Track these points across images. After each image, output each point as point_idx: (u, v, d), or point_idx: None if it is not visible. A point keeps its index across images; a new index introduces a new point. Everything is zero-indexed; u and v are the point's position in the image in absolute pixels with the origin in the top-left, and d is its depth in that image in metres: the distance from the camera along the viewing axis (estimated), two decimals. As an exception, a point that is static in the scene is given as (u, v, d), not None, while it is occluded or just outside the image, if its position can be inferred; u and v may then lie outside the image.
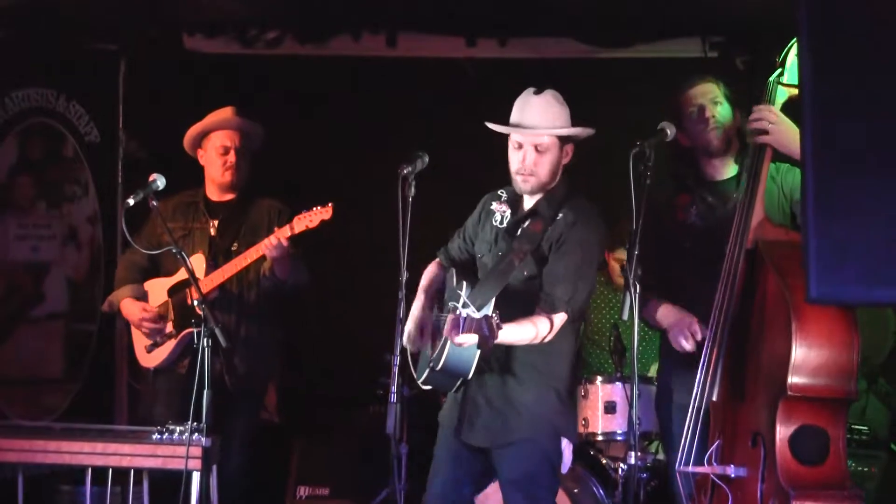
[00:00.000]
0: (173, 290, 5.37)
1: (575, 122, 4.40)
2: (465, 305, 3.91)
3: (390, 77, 6.49)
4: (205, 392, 4.37)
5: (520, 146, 4.31)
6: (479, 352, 4.10)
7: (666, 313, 4.31)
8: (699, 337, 4.09)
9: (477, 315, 3.85)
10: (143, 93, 6.77)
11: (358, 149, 6.53)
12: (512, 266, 4.22)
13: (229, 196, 5.48)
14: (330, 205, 5.02)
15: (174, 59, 6.83)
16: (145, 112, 6.70)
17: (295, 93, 6.96)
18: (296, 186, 6.13)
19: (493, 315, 3.84)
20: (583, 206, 4.37)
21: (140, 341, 5.42)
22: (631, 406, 3.95)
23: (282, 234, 5.08)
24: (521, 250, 4.24)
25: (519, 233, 4.33)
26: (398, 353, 3.89)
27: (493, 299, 4.12)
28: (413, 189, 4.19)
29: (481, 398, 4.32)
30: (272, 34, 6.81)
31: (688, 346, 4.13)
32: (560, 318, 4.22)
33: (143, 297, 5.40)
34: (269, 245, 5.09)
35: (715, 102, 4.36)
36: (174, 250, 4.65)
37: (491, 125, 4.38)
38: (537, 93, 4.38)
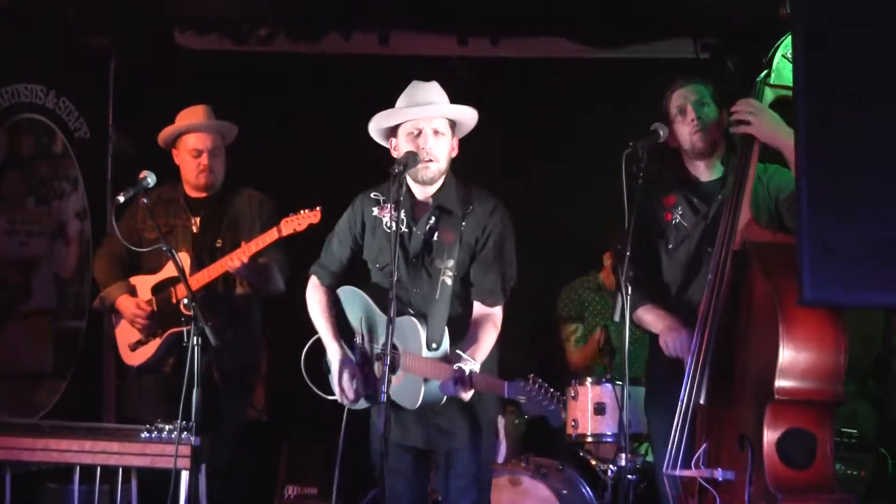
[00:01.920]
0: (157, 289, 5.36)
1: None
2: (465, 361, 4.07)
3: (382, 75, 6.50)
4: (194, 391, 4.38)
5: (419, 133, 4.30)
6: None
7: (655, 318, 4.33)
8: (684, 357, 4.09)
9: (476, 367, 4.03)
10: (133, 89, 6.76)
11: (350, 148, 6.52)
12: (446, 287, 4.25)
13: (207, 192, 5.48)
14: (318, 209, 5.01)
15: (165, 55, 6.82)
16: (135, 108, 6.68)
17: (287, 90, 6.97)
18: (285, 185, 6.12)
19: (467, 356, 4.06)
20: (486, 194, 4.42)
21: (124, 339, 5.41)
22: (621, 408, 3.99)
23: (242, 253, 5.08)
24: (446, 266, 4.26)
25: (434, 246, 4.32)
26: (388, 353, 3.91)
27: (446, 328, 4.22)
28: (404, 188, 4.22)
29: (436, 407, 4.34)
30: (264, 31, 6.82)
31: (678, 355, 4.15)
32: (501, 309, 4.35)
33: (134, 293, 5.40)
34: (231, 266, 5.11)
35: (701, 104, 4.37)
36: (164, 248, 4.65)
37: (381, 115, 4.37)
38: (423, 80, 4.43)
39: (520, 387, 3.88)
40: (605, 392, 5.68)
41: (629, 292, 4.00)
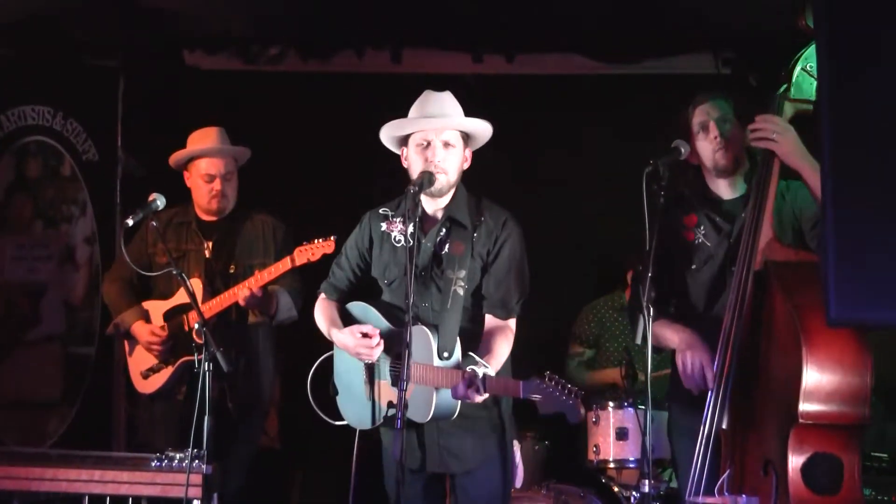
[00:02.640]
0: (169, 315, 5.38)
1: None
2: (478, 364, 4.06)
3: (395, 94, 6.51)
4: (205, 418, 4.38)
5: (427, 144, 4.33)
6: None
7: (671, 331, 4.30)
8: (708, 384, 4.07)
9: (491, 371, 4.02)
10: (142, 110, 6.79)
11: (363, 169, 6.53)
12: (458, 297, 4.26)
13: (220, 215, 5.49)
14: (332, 238, 5.00)
15: (174, 75, 6.86)
16: (144, 130, 6.72)
17: (298, 110, 6.97)
18: (297, 208, 6.13)
19: (481, 360, 4.05)
20: (496, 207, 4.45)
21: (136, 366, 5.43)
22: (644, 433, 3.95)
23: (254, 283, 5.11)
24: (457, 277, 4.28)
25: (444, 258, 4.34)
26: (405, 379, 3.90)
27: (458, 339, 4.23)
28: (420, 209, 4.23)
29: (438, 426, 4.32)
30: (274, 50, 6.85)
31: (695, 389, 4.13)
32: (514, 322, 4.37)
33: (148, 319, 5.41)
34: (242, 297, 5.13)
35: (724, 120, 4.34)
36: (175, 272, 4.65)
37: (391, 124, 4.39)
38: (436, 91, 4.46)
39: (535, 384, 3.89)
40: (628, 416, 5.67)
41: (651, 314, 3.97)
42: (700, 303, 4.34)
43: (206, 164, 5.40)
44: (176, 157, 5.46)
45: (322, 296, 4.66)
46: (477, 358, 4.12)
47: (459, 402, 4.17)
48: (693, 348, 4.16)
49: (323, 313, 4.59)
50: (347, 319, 4.53)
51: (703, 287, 4.34)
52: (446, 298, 4.27)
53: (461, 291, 4.27)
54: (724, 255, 4.29)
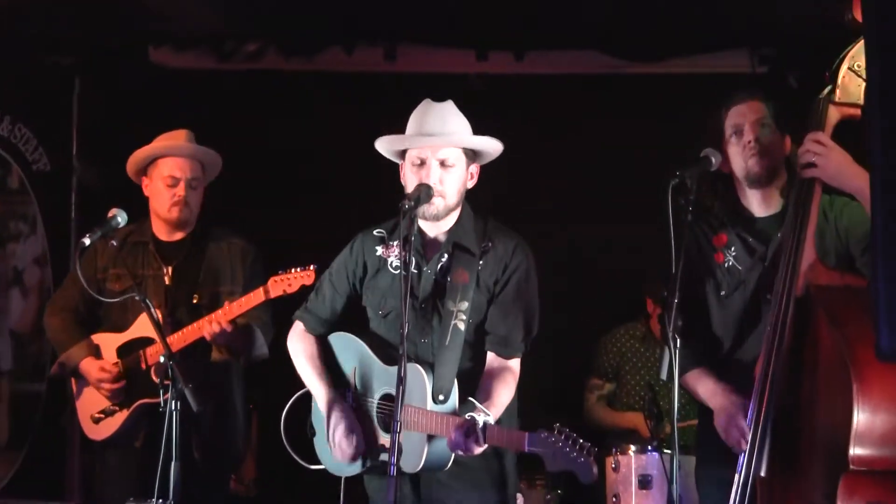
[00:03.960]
0: (123, 351, 5.32)
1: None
2: (478, 411, 4.03)
3: (387, 95, 6.53)
4: (172, 464, 4.36)
5: (422, 163, 4.32)
6: None
7: (710, 395, 4.28)
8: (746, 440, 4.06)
9: (491, 419, 4.02)
10: (100, 114, 6.80)
11: (352, 183, 6.54)
12: (458, 333, 4.26)
13: (181, 234, 5.43)
14: (312, 268, 4.90)
15: (138, 75, 6.87)
16: (103, 137, 6.72)
17: (278, 114, 6.99)
18: (273, 228, 6.14)
19: (481, 406, 4.04)
20: (505, 230, 4.45)
21: (86, 410, 5.39)
22: (670, 481, 3.94)
23: (222, 317, 5.06)
24: (459, 309, 4.27)
25: (447, 287, 4.33)
26: (398, 420, 3.89)
27: (456, 380, 4.22)
28: (416, 226, 4.23)
29: (432, 477, 4.31)
30: (252, 47, 6.86)
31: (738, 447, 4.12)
32: (517, 363, 4.35)
33: (98, 354, 5.35)
34: (209, 332, 5.08)
35: (761, 125, 4.33)
36: (137, 297, 4.62)
37: (385, 140, 4.40)
38: (437, 101, 4.43)
39: (542, 438, 3.86)
40: (652, 462, 5.65)
41: (678, 347, 3.97)
42: (729, 334, 4.34)
43: (171, 165, 5.33)
44: (136, 157, 5.38)
45: (299, 326, 4.63)
46: (477, 404, 4.09)
47: (452, 457, 4.17)
48: (734, 417, 4.11)
49: (308, 360, 4.54)
50: (327, 353, 4.52)
51: (732, 317, 4.34)
52: (445, 333, 4.27)
53: (462, 326, 4.27)
54: (757, 280, 4.28)
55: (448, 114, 4.40)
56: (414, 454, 4.15)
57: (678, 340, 3.95)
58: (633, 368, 6.46)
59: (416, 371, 4.19)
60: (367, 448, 4.34)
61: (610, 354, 6.53)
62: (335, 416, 4.36)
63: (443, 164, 4.31)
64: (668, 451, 5.38)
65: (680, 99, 6.51)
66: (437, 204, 4.30)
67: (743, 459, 3.98)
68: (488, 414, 4.06)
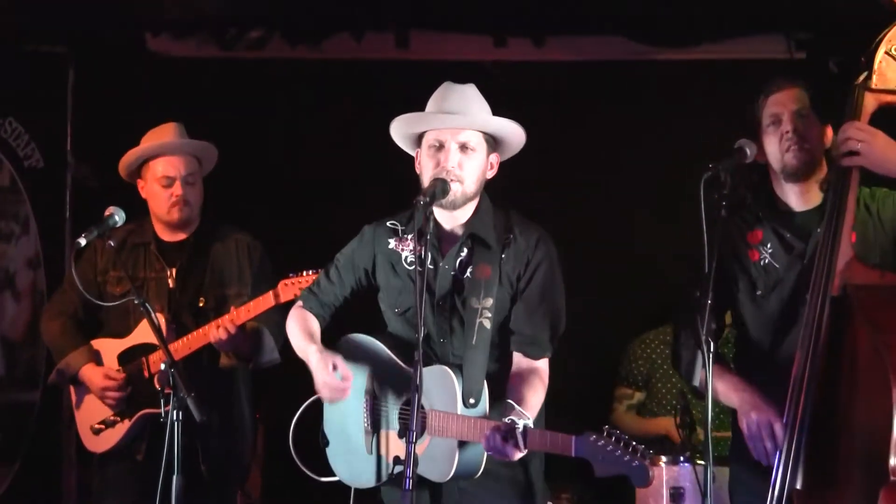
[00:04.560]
0: (124, 358, 5.34)
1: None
2: (518, 413, 4.01)
3: (399, 85, 6.53)
4: (174, 478, 4.36)
5: (440, 146, 4.31)
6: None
7: (728, 389, 4.29)
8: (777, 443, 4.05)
9: (531, 423, 3.99)
10: (96, 107, 6.81)
11: (359, 174, 6.54)
12: (484, 331, 4.25)
13: (184, 234, 5.45)
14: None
15: (135, 64, 6.88)
16: (99, 130, 6.73)
17: (283, 105, 6.99)
18: (280, 226, 6.13)
19: (523, 411, 4.02)
20: (526, 223, 4.43)
21: (86, 420, 5.40)
22: (703, 494, 3.93)
23: (229, 322, 5.07)
24: (483, 306, 4.26)
25: (467, 284, 4.32)
26: (414, 429, 3.89)
27: (485, 383, 4.20)
28: (432, 224, 4.22)
29: (457, 486, 4.30)
30: (255, 34, 6.87)
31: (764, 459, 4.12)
32: (546, 364, 4.33)
33: (99, 360, 5.37)
34: (217, 337, 5.10)
35: (800, 114, 4.31)
36: (137, 300, 4.60)
37: (402, 119, 4.38)
38: (458, 83, 4.43)
39: (590, 441, 3.82)
40: (684, 474, 5.64)
41: (712, 350, 3.95)
42: (766, 338, 4.33)
43: (164, 164, 5.34)
44: (127, 162, 5.40)
45: (299, 304, 4.64)
46: (515, 405, 4.06)
47: (485, 458, 4.15)
48: (757, 409, 4.13)
49: (299, 325, 4.54)
50: (348, 356, 4.49)
51: (769, 319, 4.32)
52: (471, 333, 4.25)
53: (487, 324, 4.25)
54: (796, 279, 4.26)
55: (471, 95, 4.39)
56: (444, 461, 4.13)
57: (711, 344, 3.94)
58: (664, 375, 6.44)
59: (444, 373, 4.19)
60: (373, 419, 4.35)
61: (640, 361, 6.51)
62: (319, 362, 4.33)
63: (463, 147, 4.30)
64: (702, 463, 5.38)
65: (712, 88, 6.51)
66: (455, 190, 4.27)
67: (777, 471, 3.98)
68: (528, 417, 4.04)
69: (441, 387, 4.16)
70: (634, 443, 3.81)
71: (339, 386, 4.30)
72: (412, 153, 4.46)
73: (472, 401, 4.15)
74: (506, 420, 4.00)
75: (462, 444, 4.13)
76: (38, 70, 6.82)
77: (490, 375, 4.24)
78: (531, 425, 4.01)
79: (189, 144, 5.42)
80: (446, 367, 4.20)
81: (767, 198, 4.44)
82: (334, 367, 4.29)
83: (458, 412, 4.14)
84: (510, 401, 4.10)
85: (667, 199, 6.12)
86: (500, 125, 4.36)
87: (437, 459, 4.13)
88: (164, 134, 5.43)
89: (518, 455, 4.00)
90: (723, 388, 4.28)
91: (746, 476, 4.36)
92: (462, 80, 4.47)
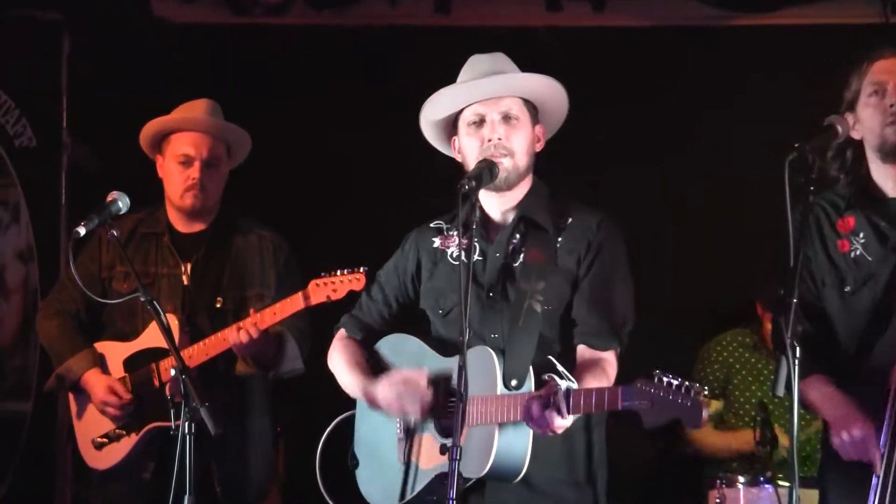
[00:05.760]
0: (131, 364, 5.34)
1: None
2: (562, 376, 3.94)
3: (441, 55, 6.53)
4: (185, 499, 4.38)
5: (481, 120, 4.31)
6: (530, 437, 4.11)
7: (823, 400, 4.26)
8: (873, 456, 4.03)
9: (574, 385, 3.93)
10: (95, 79, 6.83)
11: (399, 164, 6.54)
12: (533, 314, 4.23)
13: (201, 225, 5.45)
14: (362, 270, 4.91)
15: (139, 32, 6.89)
16: (98, 106, 6.75)
17: (307, 78, 6.99)
18: (307, 224, 6.14)
19: (567, 374, 3.95)
20: (586, 206, 4.43)
21: (86, 432, 5.40)
22: (789, 522, 3.93)
23: (252, 326, 5.05)
24: (534, 289, 4.25)
25: (518, 270, 4.31)
26: (457, 444, 3.88)
27: (531, 367, 4.16)
28: (478, 212, 4.22)
29: (504, 494, 4.25)
30: (276, -3, 6.89)
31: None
32: (614, 356, 4.30)
33: (104, 366, 5.36)
34: (236, 341, 5.08)
35: (906, 85, 4.31)
36: (143, 298, 4.56)
37: (429, 106, 4.41)
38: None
39: (639, 388, 3.80)
40: (765, 497, 5.65)
41: (797, 357, 3.93)
42: (854, 339, 4.29)
43: (185, 140, 5.33)
44: (148, 131, 5.39)
45: (342, 333, 4.63)
46: (558, 365, 3.98)
47: (527, 458, 4.12)
48: (851, 426, 4.09)
49: (345, 359, 4.55)
50: (378, 364, 4.51)
51: (859, 317, 4.29)
52: (518, 314, 4.24)
53: (538, 307, 4.24)
54: (891, 274, 4.24)
55: (500, 60, 4.40)
56: (481, 452, 4.10)
57: (797, 350, 3.91)
58: (743, 383, 6.43)
59: (483, 353, 4.18)
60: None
61: (715, 366, 6.50)
62: (381, 387, 4.34)
63: (506, 117, 4.30)
64: (786, 484, 5.36)
65: (795, 56, 6.50)
66: (506, 165, 4.27)
67: (874, 498, 3.96)
68: (572, 379, 3.97)
69: (480, 367, 4.14)
70: (687, 382, 3.77)
71: (413, 391, 4.29)
72: (448, 149, 4.47)
73: (514, 382, 4.11)
74: (545, 377, 3.97)
75: (501, 433, 4.09)
76: (31, 38, 6.84)
77: (539, 366, 4.17)
78: (574, 386, 3.94)
79: (217, 125, 5.41)
80: (487, 348, 4.18)
81: (861, 181, 4.40)
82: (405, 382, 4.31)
83: (498, 393, 4.11)
84: (551, 358, 4.05)
85: (743, 185, 6.11)
86: (539, 82, 4.36)
87: (473, 451, 4.08)
88: (193, 109, 5.43)
89: (561, 421, 3.94)
90: (817, 397, 4.24)
91: (840, 497, 4.33)
92: (510, 49, 4.46)
